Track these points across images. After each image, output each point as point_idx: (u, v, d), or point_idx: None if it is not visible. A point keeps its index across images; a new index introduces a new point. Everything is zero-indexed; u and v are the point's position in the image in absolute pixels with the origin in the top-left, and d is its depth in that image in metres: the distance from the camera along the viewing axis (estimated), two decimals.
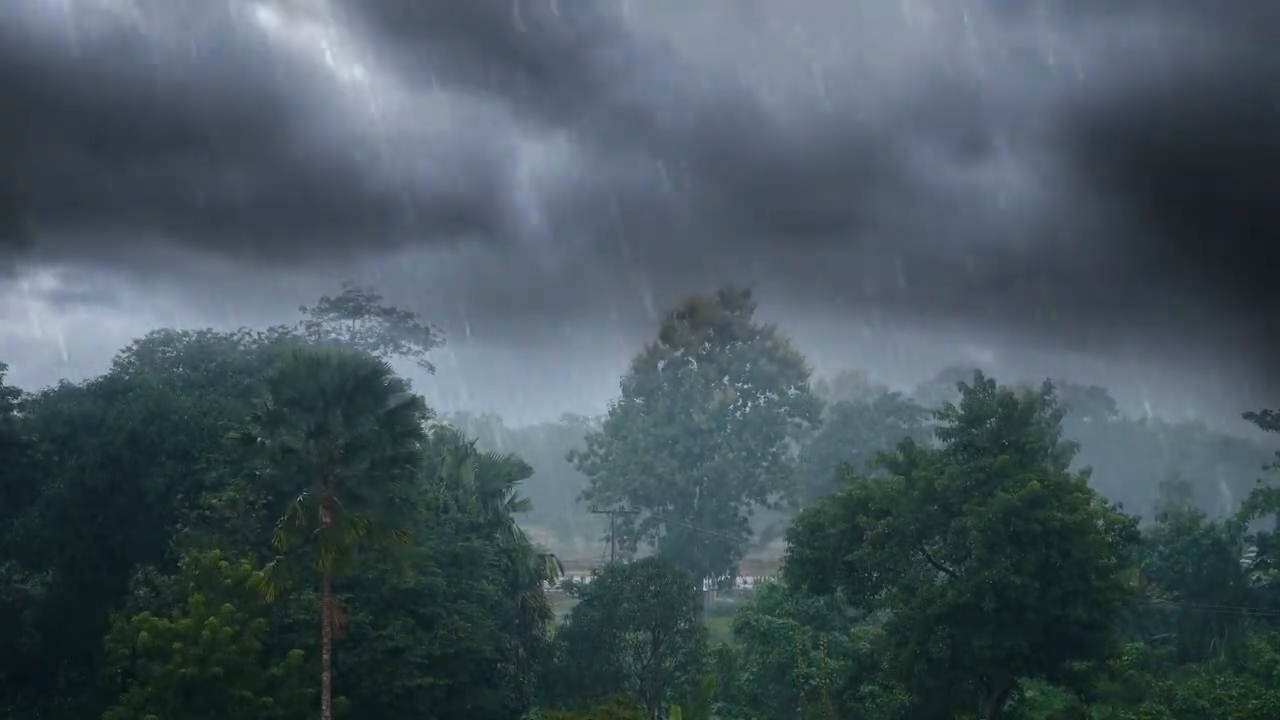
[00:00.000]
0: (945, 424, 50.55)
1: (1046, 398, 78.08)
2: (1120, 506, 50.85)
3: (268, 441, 41.61)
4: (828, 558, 50.87)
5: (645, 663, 59.39)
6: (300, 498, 41.52)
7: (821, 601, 63.77)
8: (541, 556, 63.06)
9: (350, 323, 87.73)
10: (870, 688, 54.54)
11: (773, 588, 69.74)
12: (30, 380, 58.94)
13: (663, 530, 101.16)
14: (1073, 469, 57.71)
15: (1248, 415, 77.54)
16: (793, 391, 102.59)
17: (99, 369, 64.89)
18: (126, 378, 62.62)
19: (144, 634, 41.18)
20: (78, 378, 60.47)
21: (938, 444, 52.20)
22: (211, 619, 41.20)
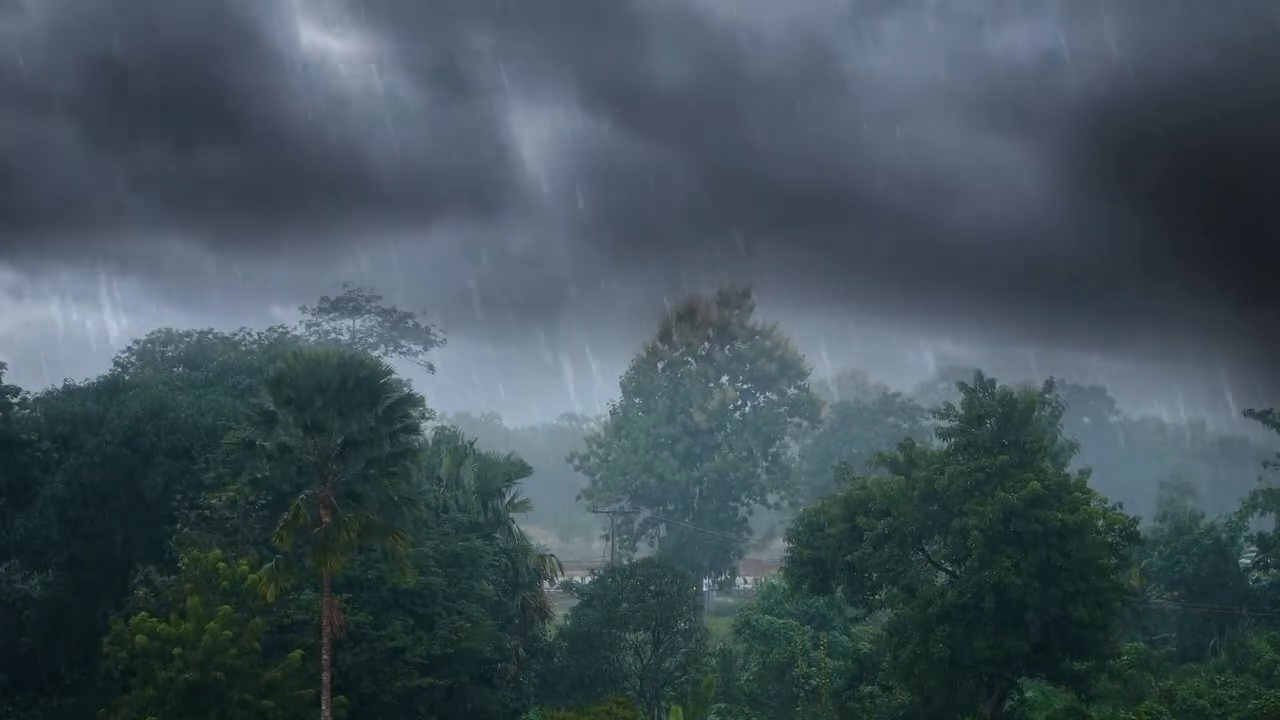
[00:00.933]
0: (945, 424, 50.53)
1: (1047, 395, 77.96)
2: (1120, 506, 50.85)
3: (266, 443, 41.60)
4: (828, 558, 50.91)
5: (645, 663, 59.40)
6: (302, 497, 41.52)
7: (821, 601, 63.79)
8: (541, 556, 63.01)
9: (350, 322, 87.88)
10: (870, 688, 54.55)
11: (773, 588, 69.72)
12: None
13: (663, 530, 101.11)
14: (1071, 469, 57.71)
15: (1247, 413, 77.50)
16: (792, 391, 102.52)
17: (77, 364, 64.88)
18: (126, 377, 62.66)
19: (140, 636, 41.15)
20: (46, 373, 60.42)
21: (938, 444, 52.20)
22: (212, 623, 41.16)
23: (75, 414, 55.77)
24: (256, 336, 70.45)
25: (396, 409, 42.77)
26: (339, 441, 41.57)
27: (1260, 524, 77.11)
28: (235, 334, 70.44)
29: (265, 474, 44.73)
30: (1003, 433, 48.64)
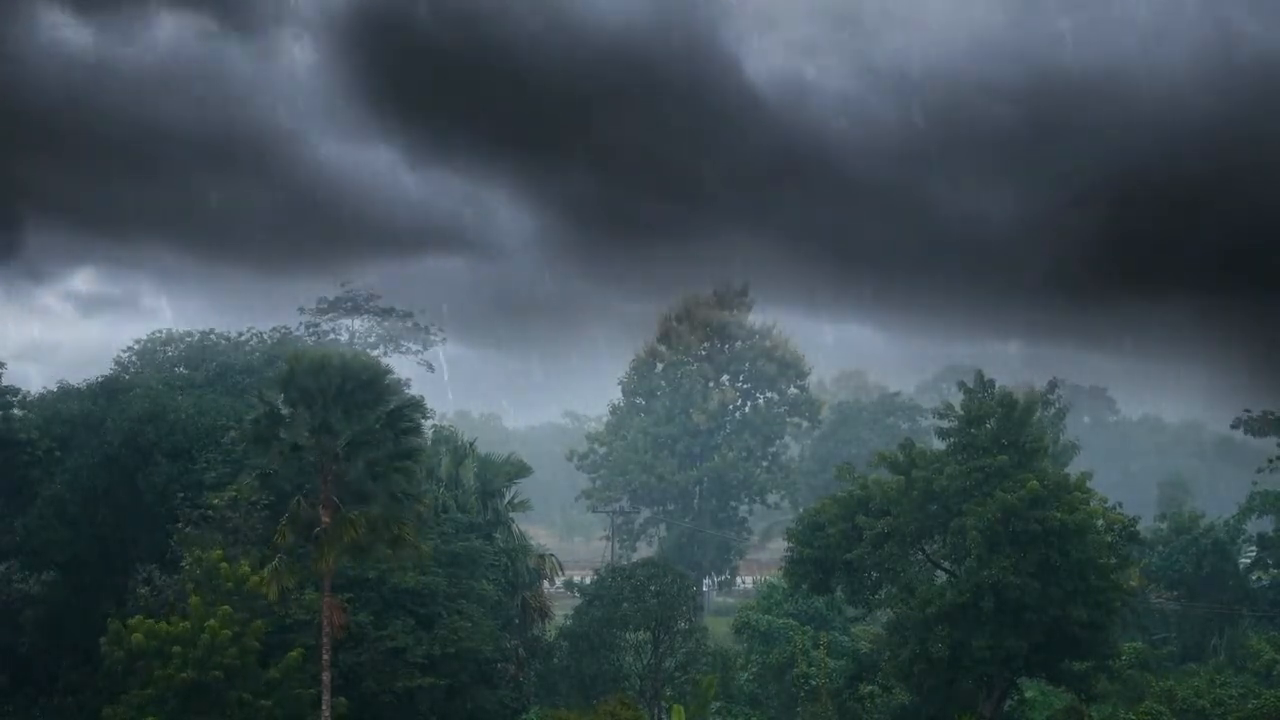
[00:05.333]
0: (945, 424, 50.60)
1: (1050, 396, 78.00)
2: (1120, 506, 50.92)
3: (283, 434, 41.78)
4: (828, 557, 50.96)
5: (645, 663, 59.38)
6: (298, 497, 41.68)
7: (821, 601, 63.82)
8: (541, 556, 63.05)
9: (349, 322, 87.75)
10: (870, 688, 54.57)
11: (773, 588, 69.74)
12: (52, 382, 60.54)
13: (663, 530, 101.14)
14: (1073, 470, 57.77)
15: (1236, 424, 78.02)
16: (792, 391, 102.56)
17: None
18: (127, 377, 62.69)
19: (137, 635, 41.18)
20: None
21: (938, 444, 52.25)
22: (211, 622, 41.19)
23: (75, 414, 55.80)
24: (259, 337, 70.45)
25: (400, 413, 42.93)
26: (343, 442, 41.72)
27: (1259, 525, 77.23)
28: (241, 334, 70.54)
29: (274, 469, 44.84)
30: (1002, 433, 48.70)
